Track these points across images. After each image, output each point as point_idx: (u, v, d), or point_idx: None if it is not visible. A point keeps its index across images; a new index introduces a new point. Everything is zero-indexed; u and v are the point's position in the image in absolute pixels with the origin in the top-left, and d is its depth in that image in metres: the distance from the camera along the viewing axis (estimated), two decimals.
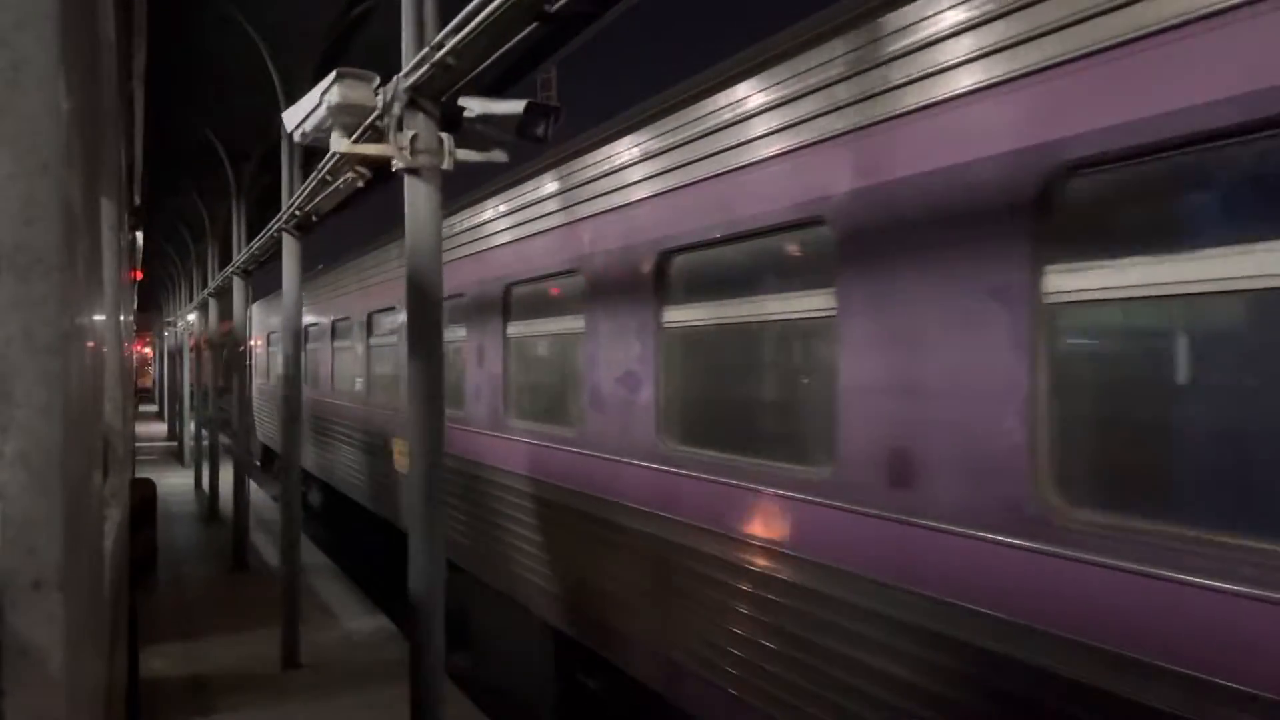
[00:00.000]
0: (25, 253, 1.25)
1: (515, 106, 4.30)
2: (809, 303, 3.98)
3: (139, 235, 13.35)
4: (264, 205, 12.45)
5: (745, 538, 4.22)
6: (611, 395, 5.50)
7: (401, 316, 9.83)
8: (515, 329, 7.08)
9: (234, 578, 11.69)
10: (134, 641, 6.55)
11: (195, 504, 18.09)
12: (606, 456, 5.52)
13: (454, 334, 8.42)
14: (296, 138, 4.87)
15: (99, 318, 2.38)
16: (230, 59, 9.47)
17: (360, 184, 5.68)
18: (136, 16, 5.50)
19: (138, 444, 20.07)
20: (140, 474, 10.44)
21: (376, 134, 4.46)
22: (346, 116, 4.55)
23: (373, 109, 4.40)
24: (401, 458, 9.36)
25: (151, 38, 6.70)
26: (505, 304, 7.08)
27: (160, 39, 7.46)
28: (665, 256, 4.96)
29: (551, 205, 6.28)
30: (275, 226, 8.62)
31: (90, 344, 1.89)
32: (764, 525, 4.16)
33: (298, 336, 8.66)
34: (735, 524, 4.30)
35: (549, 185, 6.38)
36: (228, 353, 17.52)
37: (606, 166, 5.55)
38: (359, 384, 12.22)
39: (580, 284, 5.85)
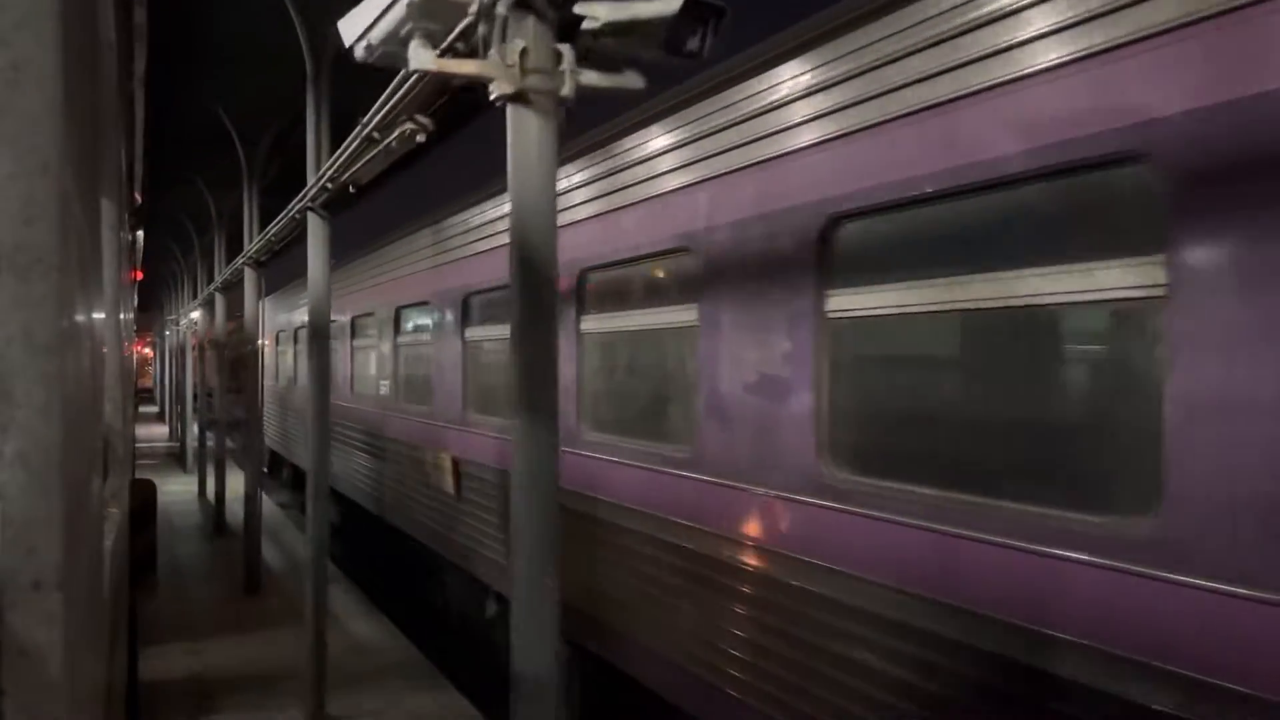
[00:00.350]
0: (25, 253, 1.29)
1: (664, 7, 3.36)
2: (1113, 277, 3.02)
3: (139, 234, 13.21)
4: (277, 194, 12.41)
5: (980, 609, 3.36)
6: (740, 405, 4.69)
7: (438, 313, 9.51)
8: (592, 324, 6.29)
9: (247, 602, 11.26)
10: (134, 642, 6.57)
11: (200, 514, 17.69)
12: (731, 484, 4.73)
13: (506, 332, 7.89)
14: (359, 53, 3.94)
15: (99, 317, 2.40)
16: (242, 28, 9.22)
17: (421, 138, 4.72)
18: (137, 16, 5.50)
19: (138, 445, 19.93)
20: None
21: (456, 55, 3.62)
22: (430, 20, 3.59)
23: (465, 10, 3.50)
24: (443, 473, 8.88)
25: (154, 11, 6.46)
26: (579, 294, 6.31)
27: (164, 11, 7.62)
28: (835, 223, 4.14)
29: (643, 171, 5.56)
30: (299, 204, 7.82)
31: (90, 344, 1.90)
32: (1017, 596, 3.25)
33: (325, 332, 7.85)
34: (962, 589, 3.42)
35: (636, 147, 5.64)
36: (234, 351, 16.93)
37: (734, 115, 4.75)
38: (385, 387, 11.41)
39: (691, 265, 5.10)
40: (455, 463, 8.58)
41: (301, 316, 16.67)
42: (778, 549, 4.37)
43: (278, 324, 19.29)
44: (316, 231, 7.58)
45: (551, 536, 3.59)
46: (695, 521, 4.94)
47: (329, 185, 6.70)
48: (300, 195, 7.68)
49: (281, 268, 15.67)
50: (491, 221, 8.20)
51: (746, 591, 4.59)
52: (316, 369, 7.66)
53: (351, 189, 6.40)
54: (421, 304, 10.09)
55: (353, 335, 13.05)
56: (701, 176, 4.99)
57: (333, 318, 14.02)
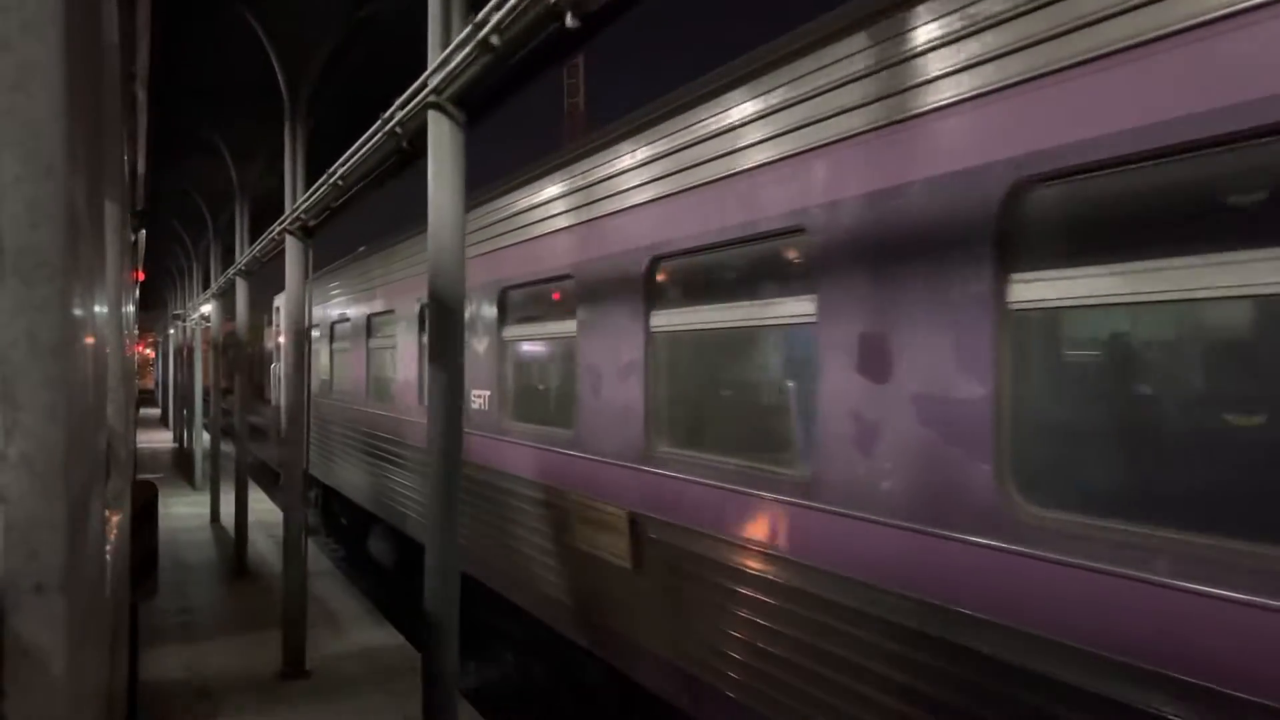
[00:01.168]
0: (30, 256, 1.31)
1: None
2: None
3: (142, 234, 12.84)
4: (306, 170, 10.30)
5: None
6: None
7: (589, 295, 6.93)
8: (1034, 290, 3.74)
9: (289, 691, 8.21)
10: (134, 644, 6.57)
11: (214, 545, 14.55)
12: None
13: (748, 316, 5.55)
14: None
15: (103, 320, 2.42)
16: None
17: None
18: (140, 19, 5.53)
19: (139, 451, 19.23)
20: None
21: None
22: None
23: None
24: (612, 535, 6.41)
25: None
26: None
27: None
28: None
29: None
30: (418, 100, 5.00)
31: (94, 347, 1.92)
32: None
33: (457, 310, 5.06)
34: None
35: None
36: (259, 347, 16.09)
37: None
38: (480, 401, 8.82)
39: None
40: (633, 522, 6.13)
41: (339, 309, 14.57)
42: None
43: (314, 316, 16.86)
44: (444, 143, 4.60)
45: None
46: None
47: (494, 41, 3.86)
48: (415, 86, 4.91)
49: (323, 248, 12.70)
50: (727, 131, 5.20)
51: None
52: (442, 376, 4.81)
53: (571, 19, 3.47)
54: (552, 280, 7.38)
55: (421, 329, 10.15)
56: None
57: (389, 307, 11.18)
